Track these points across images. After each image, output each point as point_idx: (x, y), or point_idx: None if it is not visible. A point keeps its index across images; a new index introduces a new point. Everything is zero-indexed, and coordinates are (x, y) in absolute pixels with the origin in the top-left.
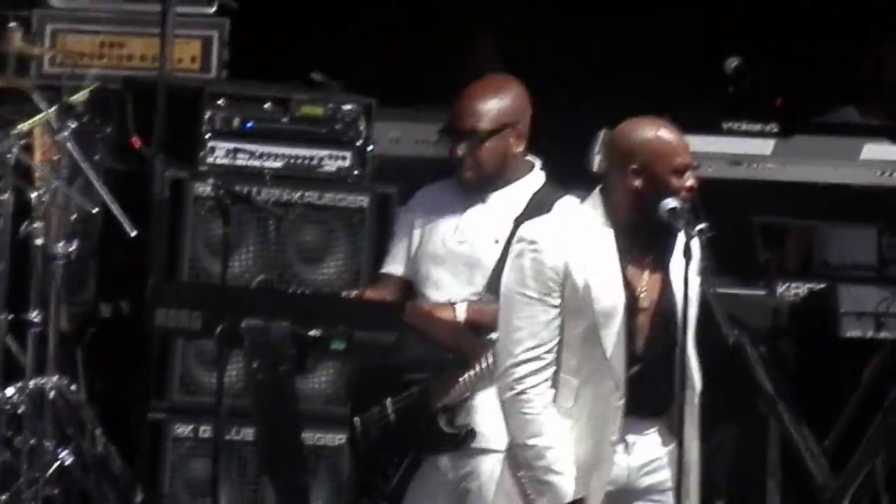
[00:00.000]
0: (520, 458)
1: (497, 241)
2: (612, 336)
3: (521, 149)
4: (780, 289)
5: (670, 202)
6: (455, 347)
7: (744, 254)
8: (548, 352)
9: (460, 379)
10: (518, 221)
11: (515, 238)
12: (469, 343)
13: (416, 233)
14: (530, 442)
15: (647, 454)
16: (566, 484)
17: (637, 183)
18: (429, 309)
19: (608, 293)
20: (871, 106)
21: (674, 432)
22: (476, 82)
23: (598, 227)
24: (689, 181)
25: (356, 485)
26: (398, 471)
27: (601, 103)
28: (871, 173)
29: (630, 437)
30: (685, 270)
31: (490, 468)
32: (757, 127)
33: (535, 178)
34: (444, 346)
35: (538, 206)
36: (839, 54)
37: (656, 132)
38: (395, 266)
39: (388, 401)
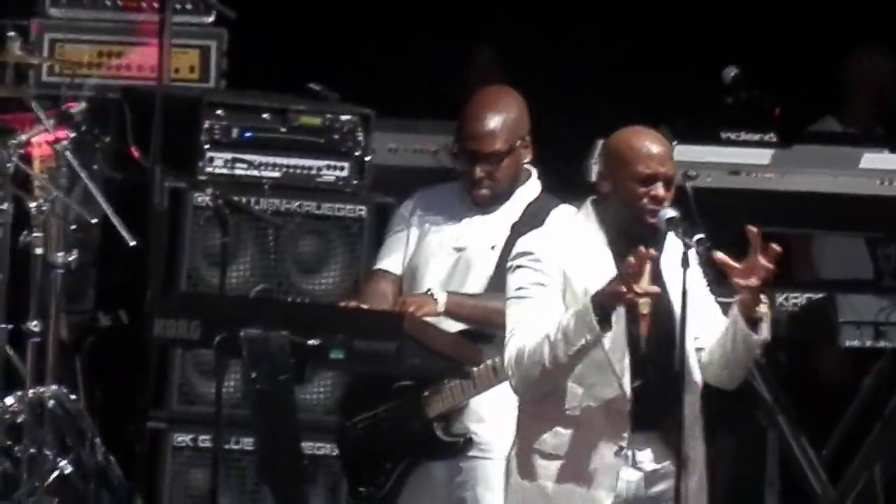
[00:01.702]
0: (550, 353)
1: (493, 248)
2: (613, 342)
3: (528, 159)
4: (779, 298)
5: (668, 212)
6: (453, 356)
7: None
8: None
9: (455, 387)
10: (515, 228)
11: (511, 255)
12: (467, 352)
13: (414, 234)
14: (538, 340)
15: (652, 464)
16: (580, 309)
17: (605, 188)
18: (414, 304)
19: None
20: (850, 115)
21: (672, 445)
22: (480, 100)
23: (592, 234)
24: (656, 191)
25: (347, 491)
26: (390, 478)
27: (599, 114)
28: (870, 182)
29: (634, 448)
30: (683, 280)
31: (486, 475)
32: (755, 136)
33: (532, 187)
34: (442, 355)
35: (535, 214)
36: (815, 64)
37: (627, 139)
38: (392, 263)
39: (382, 408)
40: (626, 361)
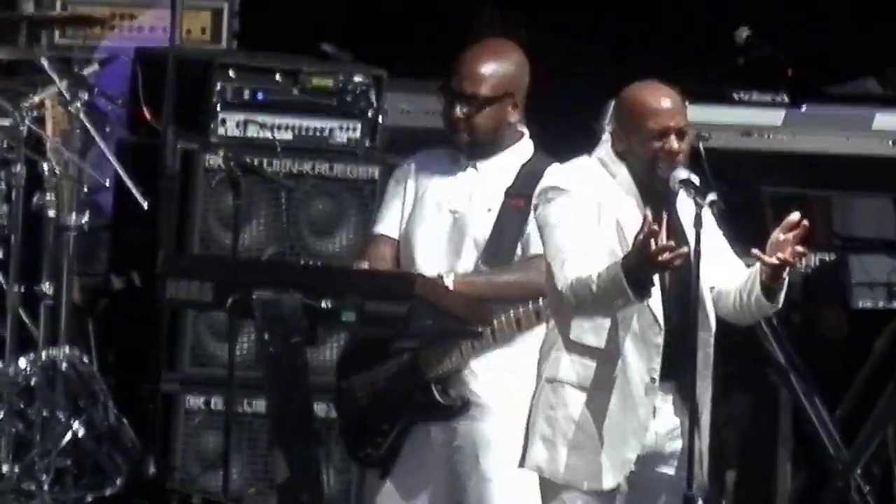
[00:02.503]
0: (595, 301)
1: (490, 211)
2: None
3: (515, 118)
4: None
5: (681, 173)
6: (466, 317)
7: (753, 224)
8: (594, 257)
9: (454, 349)
10: (509, 192)
11: (535, 193)
12: (480, 313)
13: (410, 196)
14: (584, 288)
15: (672, 420)
16: (615, 274)
17: (619, 146)
18: (422, 274)
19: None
20: (889, 76)
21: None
22: (480, 45)
23: (614, 173)
24: (669, 144)
25: (346, 451)
26: (388, 438)
27: (611, 75)
28: (882, 143)
29: (657, 402)
30: (696, 240)
31: (485, 435)
32: (767, 97)
33: (525, 147)
34: (454, 315)
35: (528, 175)
36: (861, 22)
37: (638, 94)
38: (389, 227)
39: (379, 370)
40: (660, 293)
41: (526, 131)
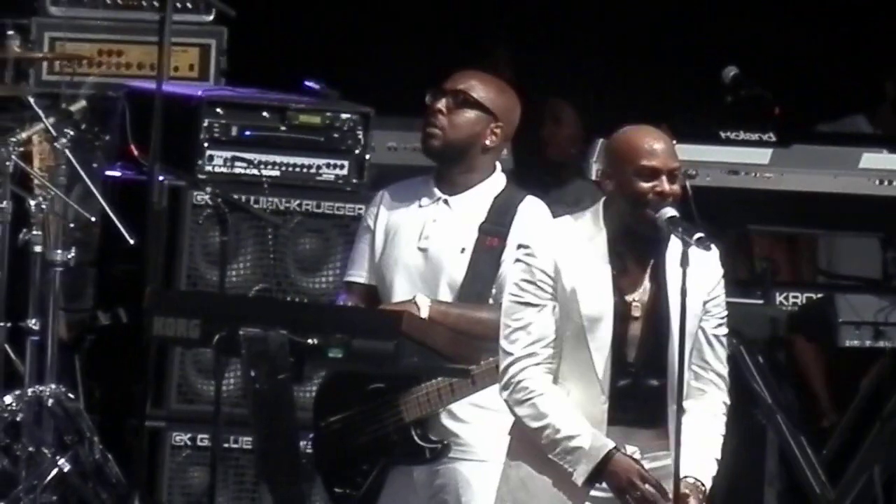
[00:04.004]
0: (542, 445)
1: (463, 251)
2: (598, 341)
3: (492, 145)
4: (778, 298)
5: (668, 211)
6: (452, 355)
7: (741, 263)
8: (544, 347)
9: (432, 392)
10: (482, 228)
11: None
12: (465, 350)
13: (380, 238)
14: (539, 423)
15: (647, 464)
16: (592, 442)
17: (609, 186)
18: (409, 312)
19: (595, 298)
20: (881, 115)
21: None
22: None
23: (592, 233)
24: (661, 186)
25: (324, 493)
26: (367, 478)
27: (599, 113)
28: (869, 182)
29: (629, 447)
30: (682, 279)
31: (467, 477)
32: (755, 136)
33: (497, 180)
34: (441, 353)
35: (501, 209)
36: (848, 62)
37: (629, 136)
38: (358, 274)
39: (357, 410)
40: (608, 362)
41: (499, 164)
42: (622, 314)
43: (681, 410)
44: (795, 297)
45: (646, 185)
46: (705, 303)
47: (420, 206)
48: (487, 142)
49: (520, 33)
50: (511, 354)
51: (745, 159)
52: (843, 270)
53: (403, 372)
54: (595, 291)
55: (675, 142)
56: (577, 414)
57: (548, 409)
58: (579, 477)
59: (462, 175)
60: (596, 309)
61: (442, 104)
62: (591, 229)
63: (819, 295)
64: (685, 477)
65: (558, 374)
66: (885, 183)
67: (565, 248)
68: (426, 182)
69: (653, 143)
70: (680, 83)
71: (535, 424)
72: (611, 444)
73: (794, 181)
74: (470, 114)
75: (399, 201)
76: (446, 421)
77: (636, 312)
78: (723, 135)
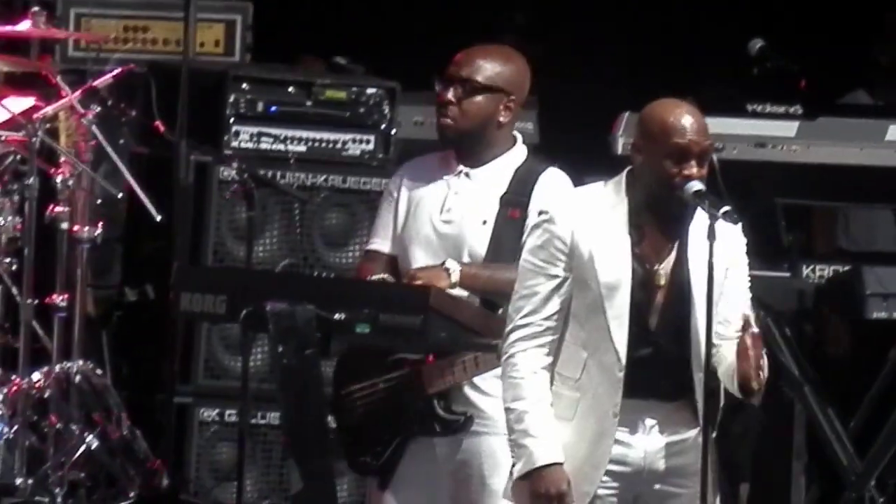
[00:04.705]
0: (506, 421)
1: (485, 223)
2: (616, 309)
3: (506, 120)
4: (805, 270)
5: (695, 185)
6: (479, 329)
7: (768, 235)
8: (544, 319)
9: (457, 363)
10: (504, 200)
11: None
12: (493, 324)
13: (402, 210)
14: (512, 405)
15: (666, 437)
16: (539, 449)
17: (638, 160)
18: (427, 278)
19: (613, 266)
20: (882, 89)
21: (695, 416)
22: (486, 44)
23: (614, 202)
24: (688, 170)
25: (344, 460)
26: (388, 448)
27: (626, 86)
28: None
29: (648, 420)
30: (709, 252)
31: (491, 451)
32: (781, 109)
33: (518, 152)
34: (468, 328)
35: (522, 180)
36: (859, 35)
37: (663, 112)
38: (382, 243)
39: (379, 380)
40: (625, 330)
41: (519, 136)
42: (645, 282)
43: (709, 381)
44: (822, 270)
45: (674, 169)
46: (727, 270)
47: (442, 179)
48: (502, 118)
49: (544, 7)
50: (511, 320)
51: (771, 132)
52: (870, 242)
53: (431, 347)
54: (613, 259)
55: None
56: (547, 412)
57: (523, 395)
58: (515, 471)
59: (482, 150)
60: (613, 277)
61: (450, 94)
62: (612, 199)
63: (846, 267)
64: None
65: (579, 342)
66: None
67: (584, 215)
68: (447, 156)
69: (686, 123)
70: (706, 56)
71: (506, 404)
72: (557, 460)
73: (821, 154)
74: (479, 99)
75: (421, 174)
76: (470, 393)
77: (660, 281)
78: (749, 108)
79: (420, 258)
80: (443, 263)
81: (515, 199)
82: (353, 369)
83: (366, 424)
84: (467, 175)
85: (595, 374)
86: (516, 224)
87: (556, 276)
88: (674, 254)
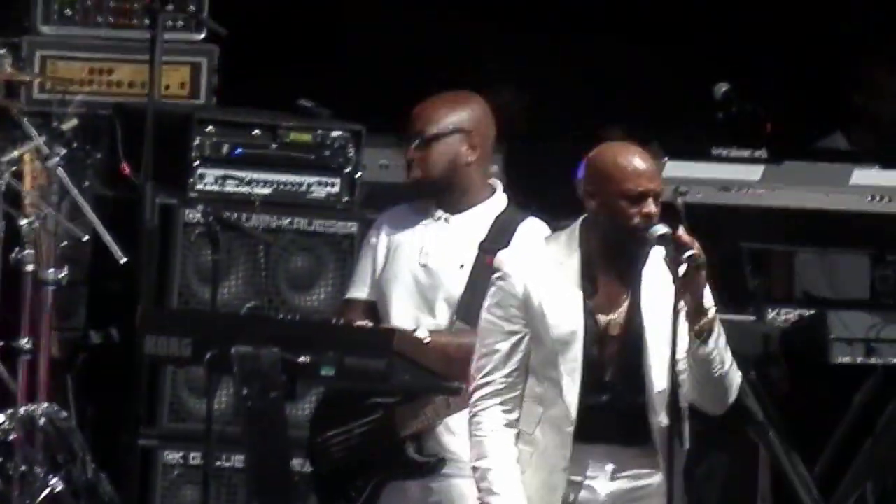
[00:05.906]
0: (471, 448)
1: (462, 267)
2: (569, 363)
3: (474, 158)
4: (770, 314)
5: (660, 228)
6: (445, 374)
7: (733, 279)
8: (505, 376)
9: (428, 407)
10: (482, 246)
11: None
12: (458, 369)
13: (381, 254)
14: (476, 463)
15: (628, 482)
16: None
17: (592, 205)
18: (401, 329)
19: (565, 320)
20: (859, 132)
21: (658, 461)
22: (442, 93)
23: (566, 253)
24: (647, 208)
25: None
26: (363, 493)
27: (590, 130)
28: (860, 199)
29: (608, 465)
30: (675, 298)
31: (461, 493)
32: (746, 153)
33: (498, 201)
34: (432, 371)
35: (502, 228)
36: (824, 79)
37: (613, 156)
38: (359, 291)
39: (354, 425)
40: (577, 385)
41: (499, 185)
42: (597, 335)
43: (673, 426)
44: (787, 314)
45: (632, 209)
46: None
47: (421, 224)
48: (469, 158)
49: (508, 49)
50: (474, 379)
51: (736, 176)
52: (835, 287)
53: (395, 390)
54: (565, 314)
55: (666, 158)
56: (511, 469)
57: (486, 453)
58: None
59: (459, 195)
60: (566, 331)
61: (411, 151)
62: (563, 252)
63: (811, 312)
64: None
65: (535, 397)
66: (877, 199)
67: (536, 270)
68: (428, 203)
69: (638, 165)
70: (671, 100)
71: (472, 462)
72: None
73: (786, 198)
74: (439, 146)
75: (401, 220)
76: (443, 436)
77: (614, 332)
78: (714, 151)
79: (398, 301)
80: (414, 330)
81: (494, 247)
82: (329, 415)
83: (342, 469)
84: (446, 220)
85: (547, 430)
86: (493, 270)
87: (515, 333)
88: (627, 302)
